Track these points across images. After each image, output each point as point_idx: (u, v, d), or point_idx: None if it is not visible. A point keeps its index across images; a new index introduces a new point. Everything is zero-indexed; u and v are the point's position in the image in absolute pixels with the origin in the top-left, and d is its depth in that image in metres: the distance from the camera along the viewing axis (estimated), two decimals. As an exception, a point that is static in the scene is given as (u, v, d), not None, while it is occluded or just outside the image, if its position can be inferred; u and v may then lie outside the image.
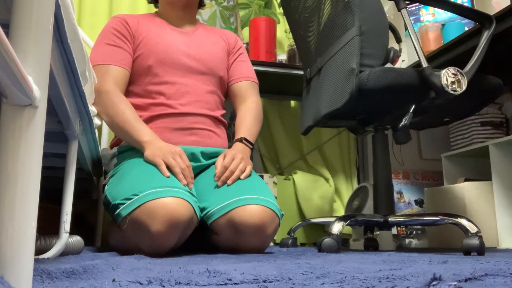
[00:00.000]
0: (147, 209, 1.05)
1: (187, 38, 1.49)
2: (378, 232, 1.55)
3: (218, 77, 1.49)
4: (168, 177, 1.15)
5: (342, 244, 1.91)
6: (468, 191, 1.74)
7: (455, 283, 0.45)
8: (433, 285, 0.45)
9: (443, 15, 2.11)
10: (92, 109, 1.22)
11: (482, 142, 1.82)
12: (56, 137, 0.94)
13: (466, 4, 1.95)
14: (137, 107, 1.39)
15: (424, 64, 1.18)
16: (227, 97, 1.57)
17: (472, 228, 1.15)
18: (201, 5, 1.63)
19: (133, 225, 1.07)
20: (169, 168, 1.19)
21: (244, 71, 1.55)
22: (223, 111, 1.51)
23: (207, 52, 1.49)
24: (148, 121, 1.37)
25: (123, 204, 1.09)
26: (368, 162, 2.29)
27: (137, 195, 1.08)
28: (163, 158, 1.19)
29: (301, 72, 1.88)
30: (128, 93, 1.41)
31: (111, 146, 1.45)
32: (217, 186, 1.24)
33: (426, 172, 2.41)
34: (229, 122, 2.20)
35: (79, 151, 1.00)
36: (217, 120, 1.46)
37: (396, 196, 2.33)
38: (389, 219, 1.34)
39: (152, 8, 1.67)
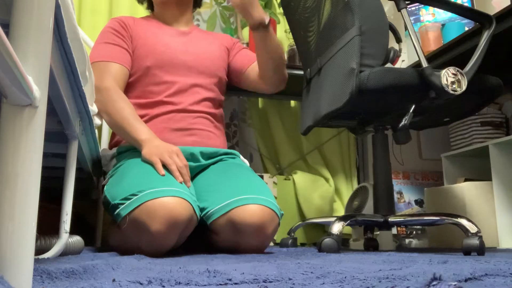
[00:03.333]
0: (147, 209, 1.05)
1: (184, 37, 1.50)
2: (378, 232, 1.55)
3: (216, 76, 1.49)
4: (163, 175, 1.15)
5: (342, 244, 1.91)
6: (468, 191, 1.74)
7: (455, 283, 0.45)
8: (433, 285, 0.45)
9: (443, 15, 2.11)
10: (92, 109, 1.22)
11: (482, 142, 1.82)
12: (56, 137, 0.94)
13: (466, 4, 1.96)
14: (136, 106, 1.39)
15: (424, 64, 1.18)
16: (247, 85, 1.59)
17: (472, 228, 1.15)
18: (196, 4, 1.63)
19: (133, 225, 1.07)
20: (166, 168, 1.20)
21: (252, 55, 1.58)
22: (221, 111, 1.51)
23: (204, 51, 1.49)
24: (147, 121, 1.37)
25: (122, 204, 1.09)
26: (368, 162, 2.28)
27: (136, 195, 1.08)
28: (160, 156, 1.19)
29: (301, 72, 1.88)
30: (127, 93, 1.41)
31: (111, 147, 1.45)
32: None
33: (426, 172, 2.41)
34: (228, 122, 2.20)
35: (79, 151, 1.00)
36: (216, 119, 1.46)
37: (396, 196, 2.33)
38: (389, 219, 1.34)
39: (152, 9, 1.68)
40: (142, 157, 1.23)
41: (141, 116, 1.38)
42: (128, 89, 1.42)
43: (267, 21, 1.38)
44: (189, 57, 1.45)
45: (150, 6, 1.62)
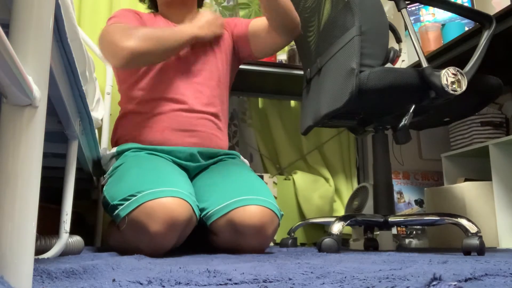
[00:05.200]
0: (146, 210, 1.05)
1: None
2: (378, 232, 1.55)
3: (219, 71, 1.48)
4: None
5: (342, 244, 1.91)
6: (468, 191, 1.74)
7: (455, 283, 0.45)
8: (433, 285, 0.45)
9: (443, 15, 2.11)
10: (96, 116, 1.22)
11: (482, 142, 1.82)
12: (56, 137, 0.94)
13: (466, 4, 1.95)
14: (140, 102, 1.39)
15: (424, 64, 1.18)
16: (260, 47, 1.53)
17: (472, 228, 1.15)
18: (200, 4, 1.64)
19: (132, 225, 1.07)
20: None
21: (246, 19, 1.57)
22: (225, 107, 1.51)
23: (207, 47, 1.49)
24: (149, 118, 1.37)
25: (121, 204, 1.09)
26: (368, 162, 2.29)
27: (135, 195, 1.08)
28: (214, 28, 1.40)
29: (301, 72, 1.88)
30: (132, 87, 1.41)
31: (112, 146, 1.46)
32: None
33: (426, 172, 2.41)
34: (228, 122, 2.20)
35: (79, 151, 1.00)
36: (219, 119, 1.46)
37: (396, 196, 2.33)
38: (389, 219, 1.34)
39: (152, 8, 1.68)
40: (205, 38, 1.40)
41: (144, 113, 1.38)
42: (132, 84, 1.42)
43: None
44: (192, 55, 1.45)
45: (154, 7, 1.62)
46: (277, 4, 1.37)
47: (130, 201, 1.08)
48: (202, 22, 1.40)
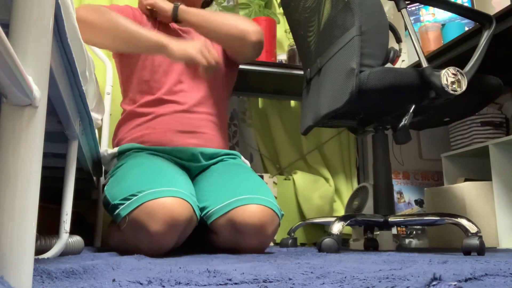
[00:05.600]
0: (146, 209, 1.05)
1: (190, 36, 1.50)
2: (378, 232, 1.55)
3: (221, 72, 1.48)
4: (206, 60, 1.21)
5: (342, 244, 1.91)
6: (468, 191, 1.74)
7: (455, 283, 0.45)
8: (433, 285, 0.45)
9: (443, 15, 2.11)
10: (95, 116, 1.22)
11: (482, 142, 1.82)
12: (56, 137, 0.94)
13: (466, 4, 1.96)
14: (143, 103, 1.39)
15: (424, 64, 1.18)
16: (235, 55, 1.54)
17: (472, 228, 1.15)
18: (207, 4, 1.64)
19: (132, 225, 1.07)
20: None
21: None
22: (225, 106, 1.51)
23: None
24: (152, 119, 1.37)
25: (122, 204, 1.09)
26: (368, 162, 2.28)
27: (136, 195, 1.08)
28: (197, 51, 1.22)
29: (301, 72, 1.88)
30: (134, 89, 1.41)
31: (113, 146, 1.46)
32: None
33: (426, 172, 2.41)
34: (228, 122, 2.20)
35: (79, 151, 1.00)
36: (219, 119, 1.46)
37: (396, 196, 2.33)
38: (389, 219, 1.34)
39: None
40: (174, 54, 1.22)
41: (146, 114, 1.38)
42: (134, 86, 1.41)
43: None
44: None
45: None
46: (215, 36, 1.41)
47: (131, 200, 1.08)
48: (184, 43, 1.26)
